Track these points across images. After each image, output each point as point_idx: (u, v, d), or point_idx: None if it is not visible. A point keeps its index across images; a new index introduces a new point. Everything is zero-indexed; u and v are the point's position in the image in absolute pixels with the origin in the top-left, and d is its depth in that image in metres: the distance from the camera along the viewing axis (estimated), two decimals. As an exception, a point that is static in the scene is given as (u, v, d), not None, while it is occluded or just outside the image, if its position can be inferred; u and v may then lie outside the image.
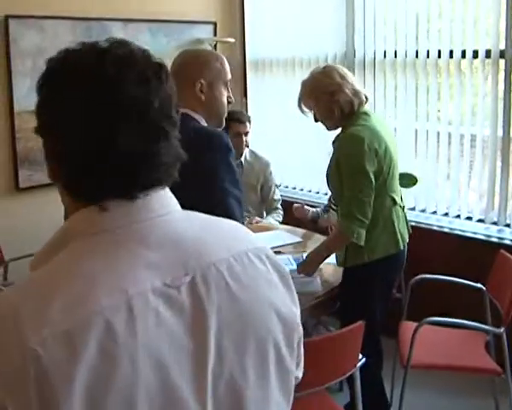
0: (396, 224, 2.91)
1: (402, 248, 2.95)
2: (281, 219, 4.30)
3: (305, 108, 3.04)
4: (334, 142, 3.00)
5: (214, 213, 1.71)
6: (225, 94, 2.32)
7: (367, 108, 2.98)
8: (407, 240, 3.03)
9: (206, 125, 2.26)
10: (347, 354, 2.46)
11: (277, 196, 4.42)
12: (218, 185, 2.07)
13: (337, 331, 2.54)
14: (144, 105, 0.94)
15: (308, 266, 2.97)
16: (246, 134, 4.18)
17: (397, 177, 2.98)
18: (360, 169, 2.75)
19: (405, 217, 3.07)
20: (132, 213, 0.94)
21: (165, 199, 1.00)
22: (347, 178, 2.80)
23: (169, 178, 1.00)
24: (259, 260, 1.03)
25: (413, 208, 4.32)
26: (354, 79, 2.97)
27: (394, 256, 2.93)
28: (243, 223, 2.13)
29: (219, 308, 0.94)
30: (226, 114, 2.38)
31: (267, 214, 4.33)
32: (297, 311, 1.07)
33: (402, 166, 4.18)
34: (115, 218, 0.93)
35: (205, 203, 1.94)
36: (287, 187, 5.18)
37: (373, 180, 2.77)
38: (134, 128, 0.92)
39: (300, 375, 1.15)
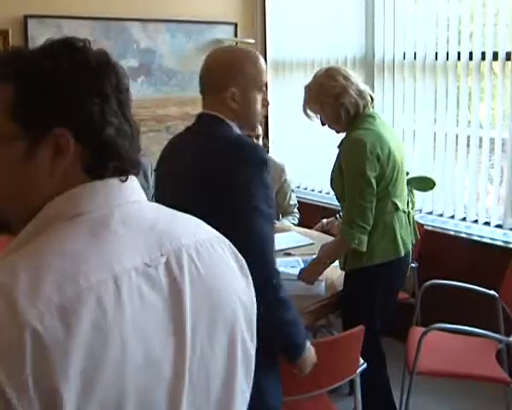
0: (397, 230, 2.84)
1: (403, 254, 2.88)
2: (296, 221, 4.26)
3: (310, 113, 3.00)
4: (339, 145, 2.96)
5: (242, 228, 1.73)
6: (260, 99, 2.10)
7: (372, 109, 2.92)
8: (410, 247, 2.96)
9: (238, 130, 2.07)
10: (347, 358, 2.42)
11: (293, 200, 4.36)
12: (248, 202, 1.89)
13: (335, 335, 2.50)
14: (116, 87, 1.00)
15: (310, 275, 2.92)
16: (257, 138, 4.15)
17: (402, 182, 2.91)
18: (361, 175, 2.70)
19: (411, 223, 3.00)
20: (111, 196, 0.97)
21: (135, 187, 1.03)
22: (349, 183, 2.76)
23: (138, 168, 1.04)
24: (221, 248, 1.09)
25: (430, 212, 4.26)
26: (358, 80, 2.92)
27: (395, 262, 2.86)
28: (273, 243, 1.95)
29: (192, 290, 0.98)
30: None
31: (282, 217, 4.29)
32: (253, 298, 1.13)
33: (420, 169, 4.14)
34: (96, 200, 0.96)
35: (233, 217, 1.82)
36: (305, 189, 5.15)
37: (374, 186, 2.73)
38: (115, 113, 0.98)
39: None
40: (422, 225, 3.99)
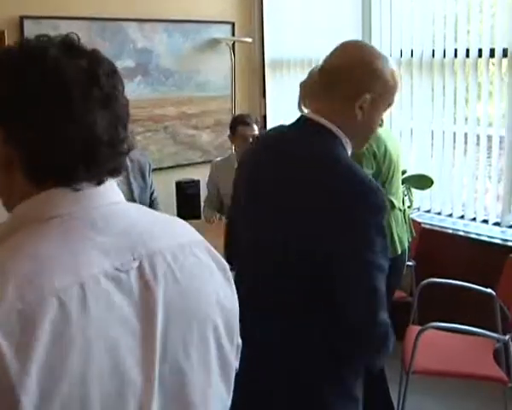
0: (393, 228, 2.84)
1: (399, 252, 2.87)
2: None
3: (305, 110, 2.98)
4: None
5: (355, 280, 1.61)
6: (381, 116, 1.82)
7: None
8: (406, 244, 2.96)
9: (347, 146, 1.77)
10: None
11: None
12: (366, 250, 1.63)
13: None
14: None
15: None
16: (253, 137, 4.14)
17: (397, 180, 2.90)
18: None
19: (407, 221, 2.99)
20: (84, 200, 0.97)
21: (114, 189, 1.03)
22: None
23: (121, 170, 1.03)
24: (202, 253, 1.08)
25: (428, 211, 4.24)
26: None
27: (391, 260, 2.83)
28: (385, 296, 1.70)
29: (165, 294, 0.97)
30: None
31: None
32: (236, 303, 1.11)
33: (417, 167, 4.13)
34: (67, 204, 0.95)
35: (344, 266, 1.62)
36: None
37: None
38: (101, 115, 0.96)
39: (237, 365, 1.16)
40: (420, 224, 3.98)
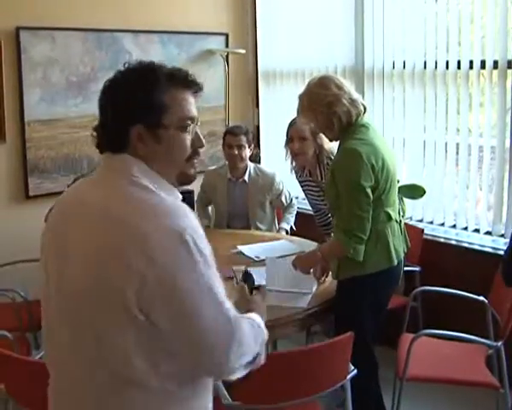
0: (390, 239, 2.85)
1: (395, 263, 2.89)
2: (294, 212, 4.46)
3: (304, 122, 3.03)
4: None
5: None
6: None
7: (365, 119, 2.91)
8: (402, 255, 2.98)
9: None
10: (336, 364, 2.43)
11: (288, 199, 4.47)
12: None
13: (324, 342, 2.52)
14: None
15: (303, 262, 2.95)
16: (239, 147, 4.19)
17: (394, 192, 2.92)
18: (357, 185, 2.69)
19: (403, 232, 3.02)
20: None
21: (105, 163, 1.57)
22: (345, 193, 2.76)
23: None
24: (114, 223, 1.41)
25: (421, 220, 4.29)
26: (351, 89, 2.92)
27: (387, 271, 2.87)
28: None
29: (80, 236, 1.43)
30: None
31: (283, 219, 4.41)
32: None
33: (410, 177, 4.18)
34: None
35: None
36: (297, 198, 5.16)
37: (370, 195, 2.72)
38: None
39: None
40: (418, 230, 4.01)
